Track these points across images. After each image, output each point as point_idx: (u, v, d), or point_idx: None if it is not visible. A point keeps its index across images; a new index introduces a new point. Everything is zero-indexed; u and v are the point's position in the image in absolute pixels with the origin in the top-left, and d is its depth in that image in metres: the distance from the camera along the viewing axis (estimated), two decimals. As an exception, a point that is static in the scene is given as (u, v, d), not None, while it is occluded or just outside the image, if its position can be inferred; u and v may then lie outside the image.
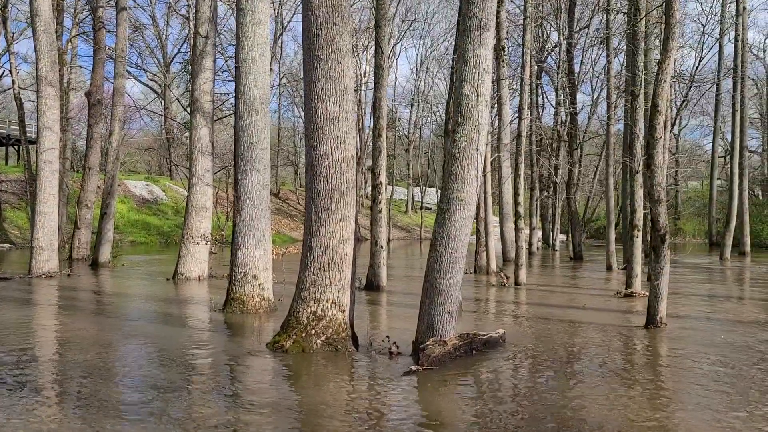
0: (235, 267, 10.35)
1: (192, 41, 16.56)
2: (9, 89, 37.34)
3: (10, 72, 28.08)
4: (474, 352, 7.28)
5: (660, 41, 11.12)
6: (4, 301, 11.94)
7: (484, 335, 7.61)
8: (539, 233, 34.29)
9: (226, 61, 36.55)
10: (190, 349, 7.89)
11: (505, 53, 18.83)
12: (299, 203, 50.94)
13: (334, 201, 7.34)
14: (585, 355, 7.73)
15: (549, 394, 5.91)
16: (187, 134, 45.25)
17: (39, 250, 15.63)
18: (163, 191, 42.90)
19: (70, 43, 29.44)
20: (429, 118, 58.66)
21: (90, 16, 26.24)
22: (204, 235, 15.40)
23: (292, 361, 7.04)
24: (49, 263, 15.71)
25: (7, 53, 30.51)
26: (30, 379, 6.26)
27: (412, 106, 54.28)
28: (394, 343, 7.42)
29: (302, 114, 55.36)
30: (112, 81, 21.29)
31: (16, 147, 42.69)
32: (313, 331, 7.27)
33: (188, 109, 18.25)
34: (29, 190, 29.73)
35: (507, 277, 15.46)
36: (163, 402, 5.59)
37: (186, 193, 43.09)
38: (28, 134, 30.00)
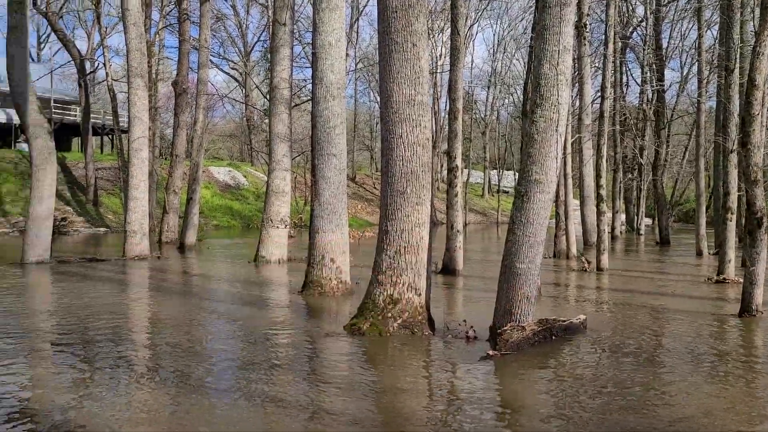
0: (313, 250, 10.55)
1: (271, 29, 16.90)
2: (103, 81, 39.45)
3: (104, 65, 29.61)
4: (553, 338, 7.12)
5: (758, 10, 10.37)
6: (101, 281, 12.69)
7: (564, 321, 7.43)
8: (622, 217, 33.02)
9: (304, 48, 37.08)
10: (271, 329, 8.13)
11: (587, 30, 18.14)
12: (375, 188, 51.29)
13: (410, 185, 7.33)
14: (672, 344, 7.40)
15: (632, 383, 5.70)
16: (266, 121, 46.42)
17: (132, 234, 16.50)
18: (245, 177, 44.22)
19: (157, 36, 30.70)
20: (506, 100, 57.46)
21: (175, 9, 27.26)
22: (283, 219, 15.77)
23: (369, 343, 7.12)
24: (141, 246, 16.56)
25: (101, 47, 32.19)
26: (124, 357, 6.62)
27: (488, 87, 53.31)
28: (471, 327, 7.37)
29: (378, 98, 55.56)
30: (197, 71, 22.09)
31: (110, 136, 45.13)
32: (390, 315, 7.32)
33: (267, 96, 18.66)
34: (122, 177, 31.41)
35: (588, 262, 15.00)
36: (246, 379, 5.80)
37: (265, 178, 44.32)
38: (120, 124, 31.63)
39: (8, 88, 37.71)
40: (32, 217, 15.04)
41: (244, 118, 50.46)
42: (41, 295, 11.42)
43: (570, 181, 17.78)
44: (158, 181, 31.78)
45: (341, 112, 10.51)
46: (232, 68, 49.59)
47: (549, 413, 4.91)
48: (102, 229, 31.13)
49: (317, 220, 10.47)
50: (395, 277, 7.36)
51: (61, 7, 31.97)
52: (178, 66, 22.95)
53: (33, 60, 41.80)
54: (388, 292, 7.37)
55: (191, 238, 20.75)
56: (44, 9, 28.91)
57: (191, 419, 4.76)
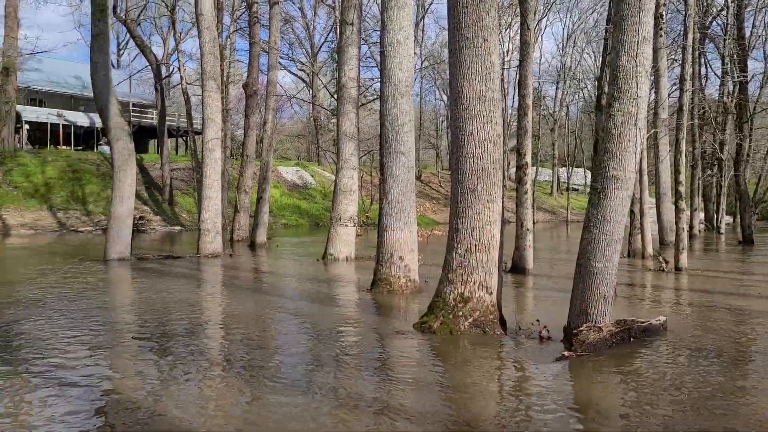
0: (382, 248, 10.57)
1: (338, 29, 17.05)
2: (177, 85, 40.94)
3: (179, 69, 30.72)
4: (632, 339, 6.86)
5: None
6: (177, 278, 13.16)
7: (643, 322, 7.15)
8: (701, 215, 31.59)
9: (370, 48, 37.29)
10: (340, 326, 8.20)
11: (663, 20, 17.42)
12: (441, 186, 51.05)
13: (481, 182, 7.23)
14: (759, 348, 7.00)
15: (714, 388, 5.41)
16: (333, 120, 46.97)
17: (205, 232, 17.03)
18: (312, 176, 44.94)
19: (228, 39, 31.58)
20: (576, 96, 56.02)
21: (246, 13, 27.96)
22: (351, 217, 15.90)
23: (440, 341, 7.07)
24: (214, 244, 17.07)
25: (176, 52, 33.40)
26: (199, 350, 6.84)
27: (557, 83, 52.12)
28: (545, 327, 7.20)
29: (444, 97, 55.25)
30: (266, 73, 22.57)
31: (184, 138, 46.81)
32: (461, 313, 7.24)
33: (335, 96, 18.86)
34: (196, 177, 32.51)
35: (666, 262, 14.41)
36: (316, 374, 5.87)
37: (332, 178, 44.79)
38: (194, 126, 32.75)
39: (92, 94, 39.70)
40: (114, 216, 15.74)
41: (311, 118, 51.27)
42: (123, 291, 11.93)
43: (646, 177, 17.14)
44: (229, 180, 32.74)
45: (409, 110, 10.48)
46: (300, 69, 50.47)
47: (626, 416, 4.73)
48: (177, 227, 32.33)
49: (386, 218, 10.49)
50: (466, 275, 7.28)
51: (139, 15, 33.38)
52: (248, 68, 23.53)
53: (113, 66, 43.81)
54: (459, 291, 7.30)
55: (261, 236, 21.23)
56: (123, 17, 30.24)
57: (261, 411, 4.87)
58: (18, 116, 36.40)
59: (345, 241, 15.94)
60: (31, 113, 38.87)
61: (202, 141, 17.59)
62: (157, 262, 15.87)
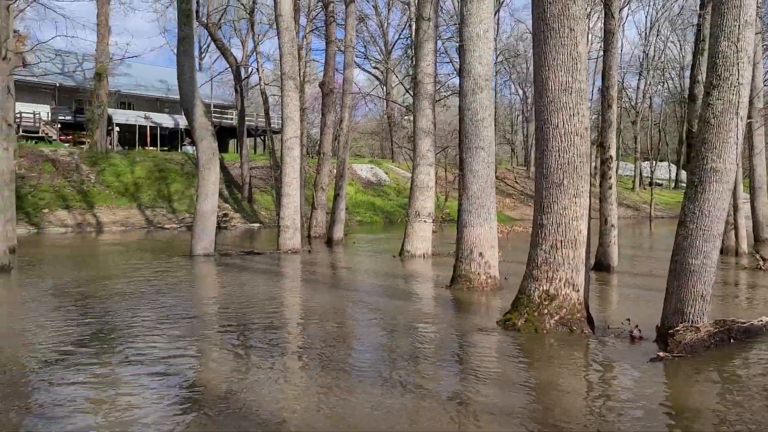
0: (461, 245, 10.47)
1: (414, 25, 17.01)
2: (256, 86, 42.06)
3: (257, 70, 31.53)
4: (732, 340, 6.49)
5: None
6: (259, 273, 13.51)
7: (744, 323, 6.75)
8: (799, 211, 29.52)
9: (443, 43, 37.10)
10: (419, 322, 8.19)
11: (759, 5, 16.39)
12: (516, 182, 50.20)
13: (567, 176, 7.02)
14: None
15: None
16: (406, 117, 47.00)
17: (285, 229, 17.40)
18: (386, 173, 45.14)
19: (305, 39, 32.16)
20: (660, 86, 53.67)
21: (321, 12, 28.39)
22: (428, 213, 15.85)
23: (524, 339, 6.92)
24: (293, 240, 17.41)
25: (255, 53, 34.32)
26: (279, 342, 7.02)
27: (640, 74, 50.13)
28: (636, 326, 6.91)
29: (520, 91, 54.25)
30: (341, 71, 22.87)
31: (262, 137, 48.06)
32: (546, 311, 7.07)
33: (412, 92, 18.85)
34: (274, 175, 33.31)
35: (764, 259, 13.57)
36: (393, 368, 5.90)
37: (406, 175, 44.64)
38: (271, 125, 33.55)
39: (177, 96, 41.07)
40: (198, 213, 16.33)
41: (385, 116, 51.52)
42: (208, 285, 12.37)
43: (740, 171, 16.19)
44: (305, 178, 33.35)
45: (489, 105, 10.33)
46: (374, 67, 50.83)
47: (725, 422, 4.47)
48: (256, 224, 33.22)
49: (465, 215, 10.38)
50: (551, 272, 7.10)
51: (220, 19, 34.50)
52: (324, 67, 23.87)
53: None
54: (544, 288, 7.12)
55: (338, 233, 21.50)
56: (205, 21, 31.33)
57: (339, 403, 4.94)
58: (109, 119, 38.39)
59: (422, 237, 15.91)
60: (121, 116, 40.92)
61: (281, 140, 17.97)
62: (239, 257, 16.36)
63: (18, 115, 34.08)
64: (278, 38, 17.35)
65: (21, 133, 34.32)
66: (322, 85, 23.97)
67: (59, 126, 39.94)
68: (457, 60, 50.79)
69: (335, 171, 22.74)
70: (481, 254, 10.33)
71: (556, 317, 7.02)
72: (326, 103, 23.75)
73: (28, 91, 37.11)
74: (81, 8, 61.20)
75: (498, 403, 4.92)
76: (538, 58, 7.18)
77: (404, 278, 12.75)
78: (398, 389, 5.26)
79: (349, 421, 4.61)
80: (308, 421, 4.59)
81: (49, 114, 40.03)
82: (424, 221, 15.81)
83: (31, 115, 37.44)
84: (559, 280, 7.06)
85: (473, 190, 10.29)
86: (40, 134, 37.55)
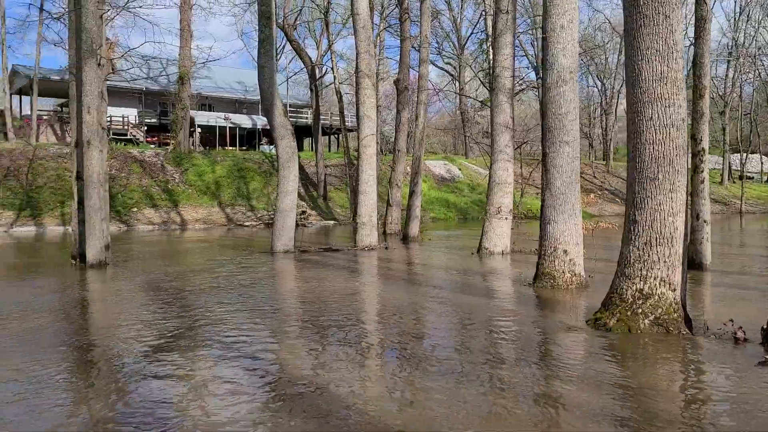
0: (545, 241, 10.23)
1: (486, 20, 16.74)
2: (330, 85, 42.66)
3: (332, 69, 31.98)
4: None
5: None
6: (337, 269, 13.69)
7: None
8: None
9: (518, 37, 36.40)
10: (500, 319, 8.08)
11: None
12: (595, 177, 48.74)
13: (662, 170, 6.72)
14: None
15: None
16: (480, 113, 46.47)
17: (362, 226, 17.55)
18: (459, 169, 44.80)
19: (378, 37, 32.36)
20: (751, 74, 50.69)
21: (395, 10, 28.43)
22: (507, 209, 15.60)
23: (616, 339, 6.68)
24: (370, 237, 17.54)
25: (329, 53, 34.78)
26: (357, 337, 7.09)
27: (728, 61, 47.52)
28: (740, 327, 6.54)
29: (598, 83, 52.58)
30: (415, 68, 22.83)
31: (336, 135, 48.71)
32: (640, 310, 6.79)
33: (487, 87, 18.59)
34: (348, 173, 33.70)
35: None
36: (473, 364, 5.84)
37: (480, 170, 44.18)
38: (346, 123, 33.92)
39: (254, 97, 42.09)
40: (279, 210, 16.70)
41: (458, 111, 51.11)
42: (289, 280, 12.64)
43: None
44: (379, 176, 33.54)
45: (574, 98, 10.04)
46: (446, 63, 50.50)
47: None
48: (331, 221, 33.71)
49: (548, 211, 10.14)
50: (645, 270, 6.81)
51: (295, 20, 35.15)
52: (399, 64, 23.88)
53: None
54: (638, 287, 6.84)
55: (414, 229, 21.50)
56: (282, 23, 32.00)
57: (417, 396, 4.93)
58: (192, 121, 39.86)
59: (500, 234, 15.67)
60: (202, 117, 42.44)
61: (357, 138, 18.12)
62: (318, 254, 16.63)
63: (109, 119, 35.94)
64: (354, 37, 17.49)
65: (111, 135, 36.15)
66: (396, 82, 24.01)
67: (145, 128, 41.86)
68: (533, 53, 49.74)
69: (411, 168, 22.73)
70: (565, 251, 10.06)
71: (651, 317, 6.74)
72: (401, 100, 23.77)
73: (117, 95, 39.07)
74: (165, 14, 63.87)
75: (588, 404, 4.77)
76: (630, 48, 6.90)
77: (483, 275, 12.60)
78: (477, 385, 5.23)
79: (427, 415, 4.61)
80: (384, 413, 4.64)
81: (137, 117, 42.02)
82: (503, 218, 15.56)
83: (120, 119, 39.40)
84: (654, 279, 6.76)
85: (557, 186, 10.03)
86: (128, 136, 39.48)
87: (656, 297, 6.75)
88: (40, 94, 38.58)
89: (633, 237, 6.94)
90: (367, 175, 17.49)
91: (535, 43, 49.78)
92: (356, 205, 17.97)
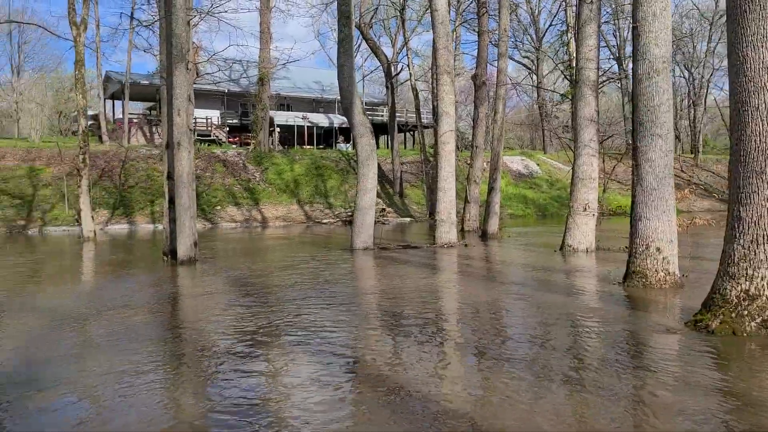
0: (636, 239, 9.83)
1: (575, 9, 16.26)
2: (405, 82, 42.71)
3: (408, 66, 31.97)
4: None
5: None
6: (417, 266, 13.68)
7: None
8: None
9: (599, 27, 35.26)
10: (588, 318, 7.85)
11: None
12: (683, 171, 46.56)
13: (770, 163, 6.30)
14: None
15: None
16: (558, 107, 45.29)
17: (441, 223, 17.47)
18: (538, 165, 43.87)
19: (454, 33, 32.09)
20: None
21: (472, 4, 28.12)
22: (591, 206, 15.13)
23: (720, 342, 6.33)
24: (449, 234, 17.44)
25: (405, 50, 34.81)
26: (437, 334, 7.09)
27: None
28: None
29: (685, 73, 50.17)
30: (492, 63, 22.48)
31: (411, 132, 48.75)
32: (746, 312, 6.41)
33: (569, 79, 18.08)
34: (424, 169, 33.65)
35: None
36: (557, 363, 5.73)
37: (559, 166, 43.02)
38: (422, 120, 33.86)
39: (331, 96, 42.79)
40: (358, 207, 16.85)
41: (536, 106, 50.06)
42: (369, 277, 12.74)
43: None
44: (456, 172, 33.26)
45: (667, 89, 9.58)
46: (524, 56, 49.55)
47: None
48: (407, 218, 33.78)
49: (640, 207, 9.73)
50: (751, 270, 6.42)
51: (371, 18, 35.40)
52: (477, 59, 23.60)
53: (347, 69, 47.17)
54: (743, 287, 6.46)
55: (493, 226, 21.22)
56: (358, 22, 32.28)
57: (494, 394, 4.84)
58: (271, 121, 40.92)
59: (584, 231, 15.21)
60: (281, 117, 43.48)
61: (435, 134, 18.08)
62: (397, 251, 16.68)
63: (194, 121, 37.45)
64: (433, 33, 17.41)
65: (196, 136, 37.61)
66: (474, 77, 23.75)
67: (227, 129, 43.32)
68: (614, 44, 47.81)
69: (489, 164, 22.44)
70: (658, 249, 9.63)
71: (759, 320, 6.34)
72: (478, 95, 23.50)
73: (201, 98, 40.56)
74: (245, 18, 65.79)
75: (688, 408, 4.57)
76: (734, 34, 6.51)
77: (567, 273, 12.27)
78: (561, 385, 5.12)
79: (508, 413, 4.57)
80: (463, 410, 4.62)
81: (219, 118, 43.54)
82: (589, 214, 15.10)
83: (204, 120, 40.93)
84: (762, 279, 6.37)
85: (649, 181, 9.61)
86: (211, 137, 40.97)
87: (764, 298, 6.35)
88: (130, 99, 40.68)
89: (737, 234, 6.56)
90: (446, 172, 17.39)
91: (617, 33, 48.05)
92: (433, 202, 17.90)
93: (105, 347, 6.70)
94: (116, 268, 14.42)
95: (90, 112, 32.46)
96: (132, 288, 11.21)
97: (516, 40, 48.36)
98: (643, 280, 9.70)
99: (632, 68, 9.89)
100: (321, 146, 44.56)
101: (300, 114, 44.55)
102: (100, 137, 37.14)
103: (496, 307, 8.87)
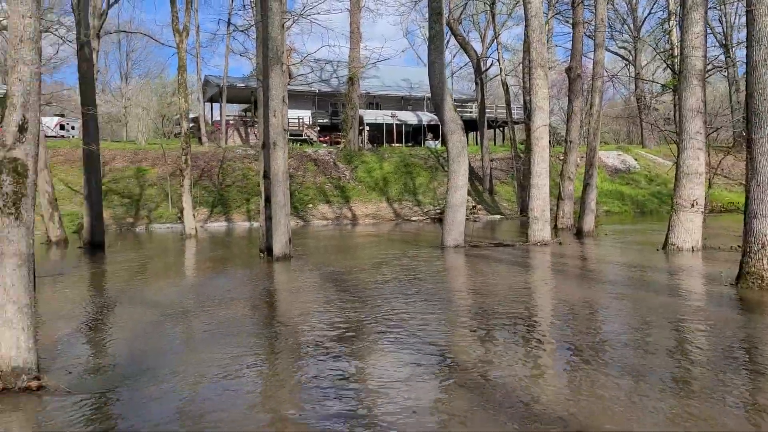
0: (750, 237, 9.17)
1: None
2: (494, 77, 42.03)
3: (498, 61, 31.43)
4: None
5: None
6: (509, 264, 13.42)
7: None
8: None
9: (705, 12, 33.21)
10: (693, 320, 7.49)
11: None
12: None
13: None
14: None
15: None
16: (657, 99, 43.10)
17: (534, 221, 17.04)
18: (635, 160, 42.01)
19: (546, 25, 31.23)
20: None
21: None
22: (697, 202, 14.27)
23: None
24: (543, 232, 16.97)
25: (495, 44, 34.24)
26: (530, 332, 6.99)
27: None
28: None
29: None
30: (586, 55, 21.68)
31: (501, 128, 47.96)
32: None
33: (672, 69, 17.14)
34: (515, 166, 33.00)
35: None
36: (656, 365, 5.48)
37: (658, 160, 40.99)
38: (513, 116, 33.19)
39: (419, 94, 42.77)
40: (449, 205, 16.73)
41: (633, 98, 47.90)
42: (461, 275, 12.61)
43: None
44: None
45: (787, 75, 8.86)
46: (620, 47, 47.52)
47: None
48: (497, 216, 33.24)
49: (755, 203, 9.06)
50: None
51: (460, 14, 35.08)
52: (571, 51, 22.86)
53: (436, 66, 46.90)
54: None
55: (588, 224, 20.49)
56: (447, 18, 32.07)
57: (590, 396, 4.67)
58: (360, 119, 41.44)
59: (690, 228, 14.36)
60: (370, 116, 43.94)
61: (525, 130, 17.65)
62: (488, 249, 16.43)
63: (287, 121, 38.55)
64: (525, 26, 17.01)
65: (288, 136, 38.71)
66: (568, 70, 23.01)
67: (318, 128, 44.27)
68: (720, 31, 44.97)
69: (585, 159, 21.67)
70: (775, 248, 8.93)
71: None
72: (573, 88, 22.75)
73: (292, 98, 41.67)
74: (335, 18, 67.01)
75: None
76: None
77: (672, 273, 11.64)
78: (662, 386, 4.91)
79: (603, 413, 4.45)
80: (556, 409, 4.54)
81: (310, 118, 44.57)
82: (696, 211, 14.25)
83: (296, 120, 42.02)
84: None
85: (765, 175, 8.93)
86: (303, 137, 42.01)
87: None
88: (227, 101, 42.40)
89: None
90: (540, 168, 16.94)
91: (723, 19, 45.15)
92: (523, 199, 17.53)
93: (207, 340, 6.98)
94: (216, 264, 15.04)
95: (191, 115, 34.10)
96: (232, 283, 11.66)
97: (612, 30, 46.43)
98: (759, 281, 9.04)
99: (746, 55, 9.21)
100: (410, 144, 44.66)
101: (389, 112, 44.84)
102: (200, 139, 38.93)
103: (593, 307, 8.54)
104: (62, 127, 41.64)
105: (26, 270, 5.03)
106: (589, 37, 26.28)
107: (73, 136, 38.53)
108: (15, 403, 4.82)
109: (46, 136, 28.50)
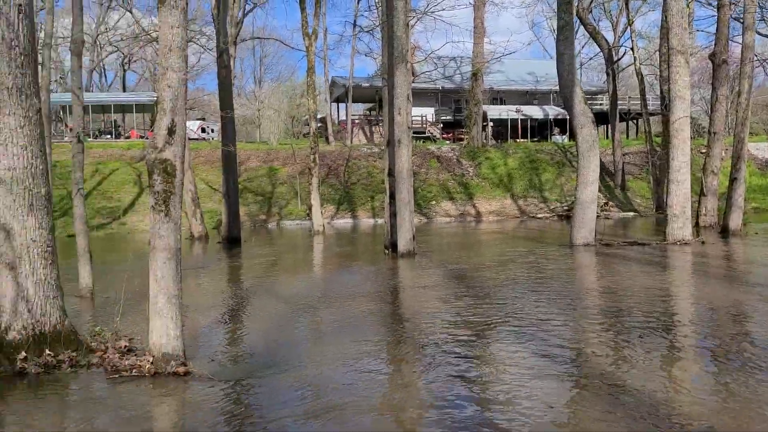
0: None
1: None
2: (627, 67, 39.83)
3: (632, 50, 29.73)
4: None
5: None
6: (645, 264, 12.67)
7: None
8: None
9: None
10: None
11: None
12: None
13: None
14: None
15: None
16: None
17: (673, 218, 15.92)
18: (791, 151, 38.11)
19: (687, 8, 29.08)
20: None
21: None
22: None
23: None
24: (683, 230, 15.82)
25: (628, 32, 32.41)
26: (666, 335, 6.60)
27: None
28: None
29: None
30: (732, 39, 19.86)
31: (635, 120, 45.42)
32: None
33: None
34: (651, 160, 31.06)
35: None
36: None
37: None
38: (648, 107, 31.27)
39: (545, 88, 41.65)
40: (578, 201, 16.05)
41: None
42: (593, 275, 12.07)
43: None
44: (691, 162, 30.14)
45: None
46: (772, 28, 43.23)
47: None
48: (630, 213, 31.50)
49: None
50: None
51: (590, 3, 33.58)
52: (716, 35, 21.07)
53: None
54: None
55: (735, 221, 18.82)
56: (576, 7, 30.82)
57: (729, 401, 4.43)
58: (484, 115, 40.88)
59: None
60: (494, 111, 43.22)
61: (662, 122, 16.54)
62: (621, 248, 15.59)
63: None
64: (663, 11, 16.00)
65: (412, 134, 39.08)
66: (712, 56, 21.24)
67: (441, 125, 44.26)
68: None
69: (731, 152, 19.93)
70: None
71: None
72: (717, 76, 20.96)
73: (415, 96, 41.79)
74: (459, 14, 66.59)
75: None
76: None
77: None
78: None
79: (752, 423, 4.15)
80: (694, 415, 4.30)
81: (433, 115, 44.66)
82: None
83: (419, 118, 42.26)
84: None
85: None
86: (426, 134, 42.19)
87: None
88: (352, 101, 43.51)
89: None
90: (680, 162, 15.81)
91: None
92: (659, 195, 16.41)
93: (335, 333, 7.17)
94: (343, 260, 15.47)
95: (318, 115, 35.37)
96: (358, 279, 11.93)
97: (763, 11, 42.32)
98: None
99: None
100: (535, 139, 43.42)
101: (513, 107, 43.89)
102: (327, 138, 40.24)
103: (739, 311, 7.87)
104: (203, 130, 44.68)
105: (174, 263, 5.40)
106: (735, 19, 24.13)
107: (212, 138, 41.22)
108: (166, 386, 5.20)
109: (190, 139, 30.72)
